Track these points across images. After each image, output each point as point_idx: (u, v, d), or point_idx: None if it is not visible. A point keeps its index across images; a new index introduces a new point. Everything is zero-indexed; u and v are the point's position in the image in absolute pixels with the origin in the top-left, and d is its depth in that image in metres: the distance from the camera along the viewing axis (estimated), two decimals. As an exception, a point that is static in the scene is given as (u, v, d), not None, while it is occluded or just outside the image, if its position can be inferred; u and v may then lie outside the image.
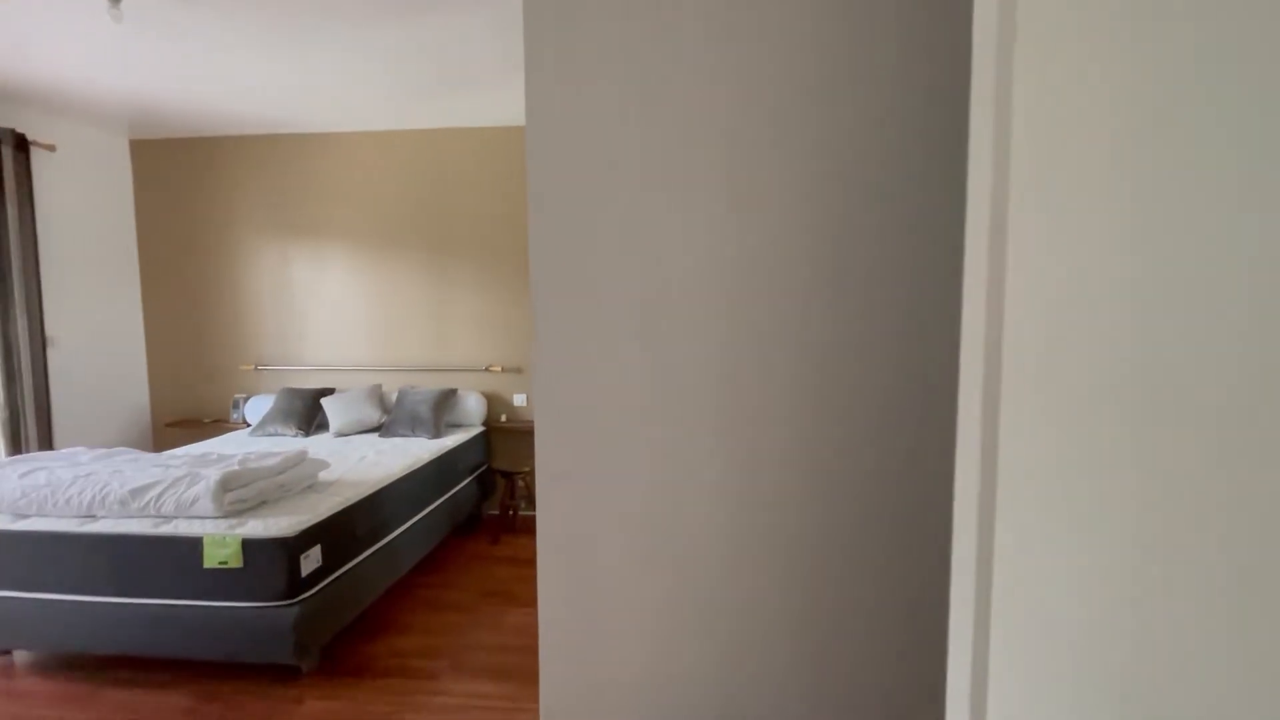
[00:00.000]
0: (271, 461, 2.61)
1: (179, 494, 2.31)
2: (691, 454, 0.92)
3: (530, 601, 2.99)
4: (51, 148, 3.73)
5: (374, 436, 3.90)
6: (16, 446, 3.52)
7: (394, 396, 4.14)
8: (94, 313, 4.12)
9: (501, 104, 3.69)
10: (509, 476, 3.98)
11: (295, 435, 3.91)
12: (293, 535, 2.25)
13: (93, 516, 2.34)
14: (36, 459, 2.66)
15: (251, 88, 3.46)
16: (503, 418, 4.27)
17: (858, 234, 0.86)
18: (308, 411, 4.01)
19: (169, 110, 3.85)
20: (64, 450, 2.85)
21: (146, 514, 2.31)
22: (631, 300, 0.90)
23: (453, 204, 4.18)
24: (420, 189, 4.20)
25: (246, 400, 4.38)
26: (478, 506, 4.07)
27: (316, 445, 3.64)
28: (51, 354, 3.78)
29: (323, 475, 2.86)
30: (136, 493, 2.31)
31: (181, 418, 4.49)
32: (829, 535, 0.91)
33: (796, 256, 0.87)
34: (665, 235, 0.90)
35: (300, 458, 2.75)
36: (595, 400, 0.93)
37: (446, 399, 4.03)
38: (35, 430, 3.61)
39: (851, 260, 0.86)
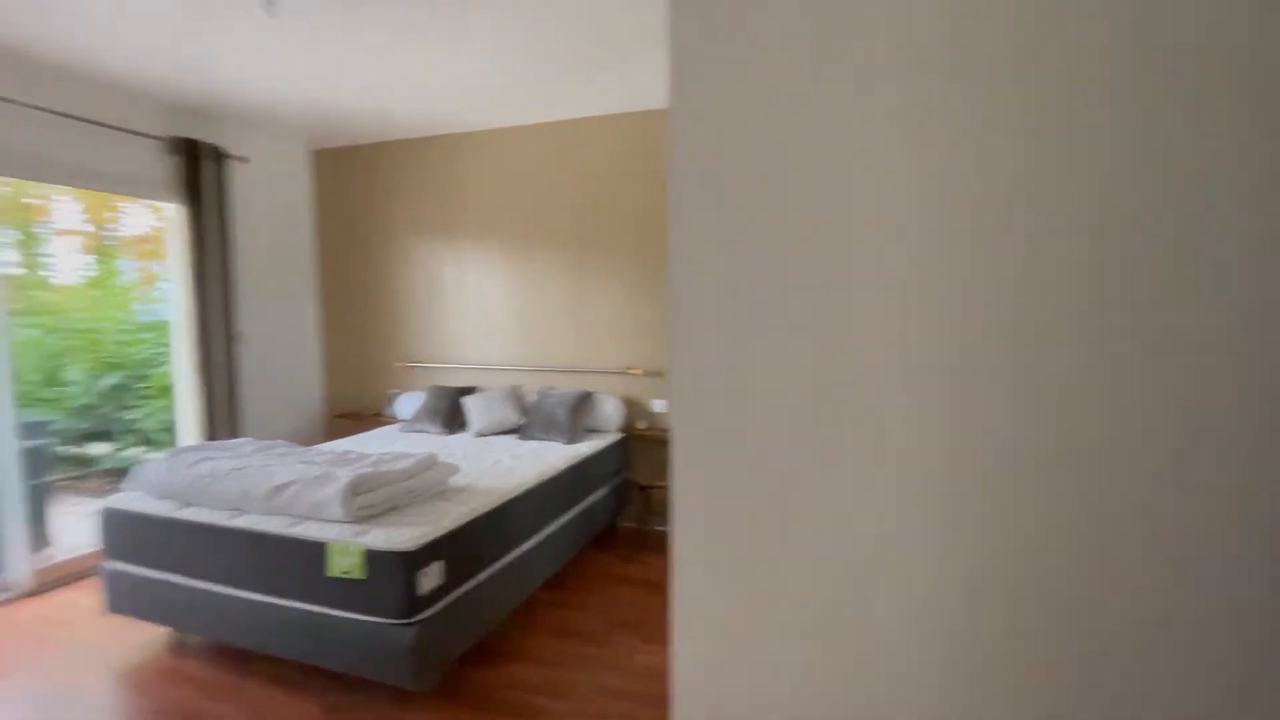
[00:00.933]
0: (402, 465, 2.51)
1: (312, 495, 2.26)
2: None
3: (661, 638, 2.63)
4: (245, 160, 4.09)
5: (512, 439, 3.80)
6: (211, 435, 3.89)
7: (532, 398, 4.03)
8: (276, 311, 4.48)
9: (647, 86, 3.39)
10: (645, 490, 3.67)
11: (440, 433, 3.93)
12: (412, 549, 2.09)
13: (240, 510, 2.37)
14: (208, 449, 2.81)
15: (406, 89, 3.50)
16: (641, 424, 3.97)
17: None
18: (451, 410, 4.02)
19: (339, 118, 4.06)
20: (233, 441, 3.00)
21: (283, 512, 2.29)
22: (800, 284, 0.72)
23: (593, 198, 3.97)
24: (561, 183, 4.04)
25: (398, 396, 4.54)
26: (613, 519, 3.81)
27: (456, 445, 3.60)
28: (240, 350, 4.14)
29: (454, 480, 2.73)
30: (277, 490, 2.30)
31: (349, 410, 4.78)
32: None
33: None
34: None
35: (430, 462, 2.63)
36: (744, 406, 0.75)
37: (583, 402, 3.82)
38: (226, 427, 3.97)
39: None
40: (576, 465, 3.34)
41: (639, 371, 3.95)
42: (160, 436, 4.88)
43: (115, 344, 5.02)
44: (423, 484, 2.53)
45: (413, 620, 2.08)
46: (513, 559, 2.67)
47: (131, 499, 2.61)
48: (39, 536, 3.78)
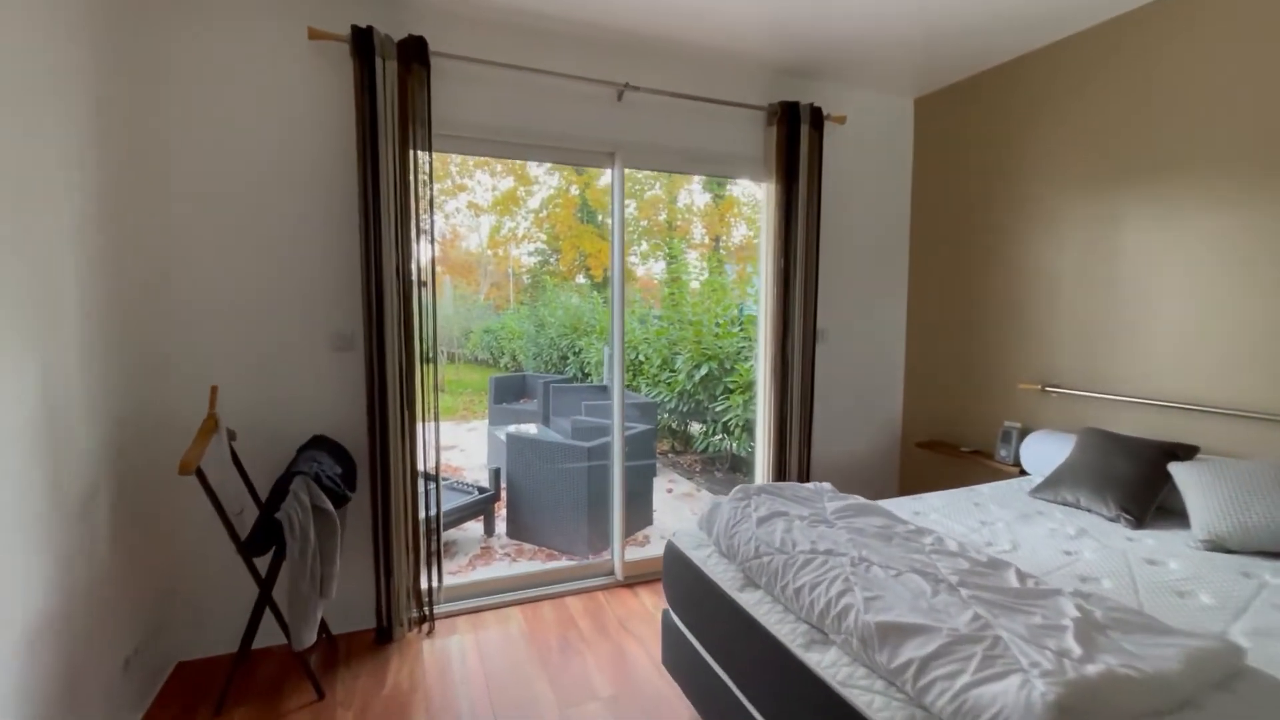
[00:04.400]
0: (1165, 653, 1.09)
1: (964, 674, 1.09)
2: None
3: None
4: (842, 120, 3.34)
5: (1309, 574, 1.80)
6: (782, 447, 3.34)
7: (1363, 493, 1.88)
8: (861, 303, 3.64)
9: None
10: None
11: (1113, 519, 2.25)
12: None
13: (821, 634, 1.43)
14: (781, 495, 2.06)
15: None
16: None
17: None
18: (1143, 481, 2.27)
19: (954, 38, 2.82)
20: (811, 486, 2.19)
21: (894, 679, 1.20)
22: None
23: None
24: None
25: (1022, 434, 3.02)
26: None
27: (1171, 559, 1.89)
28: (820, 349, 3.46)
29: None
30: (887, 636, 1.24)
31: (934, 439, 3.57)
32: None
33: None
34: None
35: (1219, 652, 1.11)
36: None
37: None
38: (799, 431, 3.36)
39: None
40: None
41: None
42: (737, 432, 4.84)
43: (713, 336, 5.28)
44: (1190, 682, 1.05)
45: None
46: None
47: (691, 540, 2.07)
48: (643, 513, 4.04)
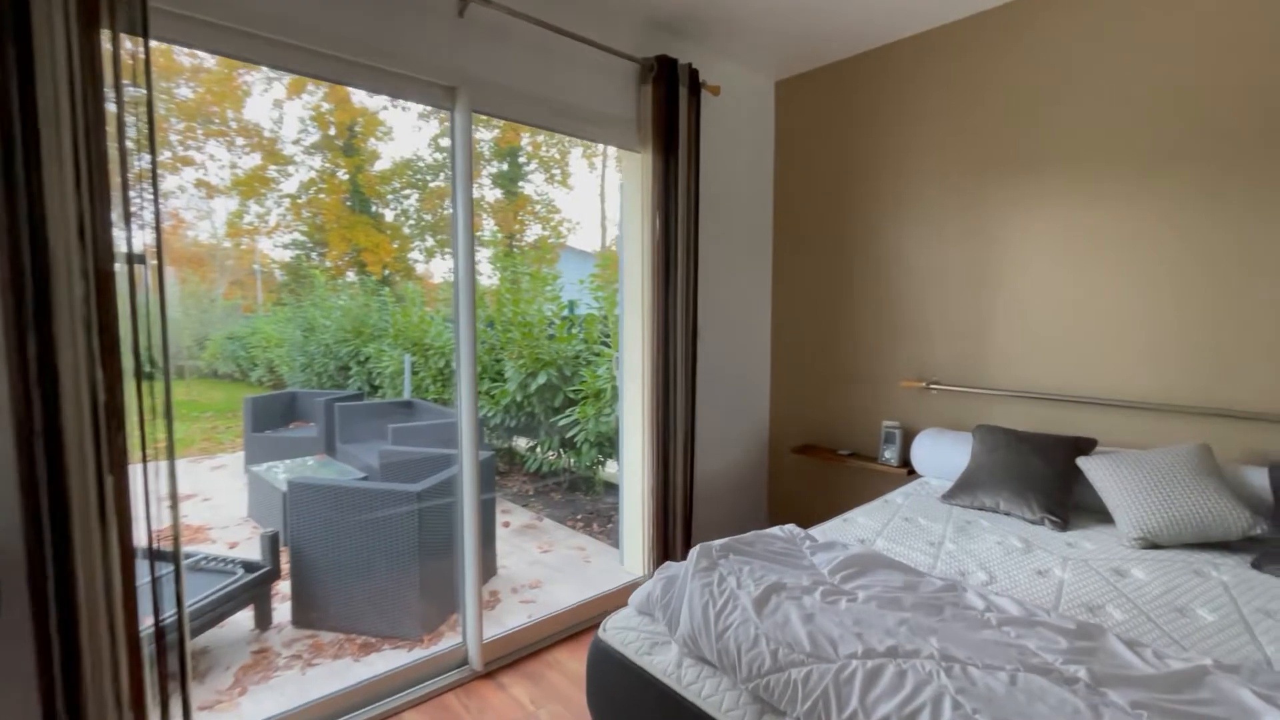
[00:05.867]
0: None
1: None
2: None
3: None
4: (716, 91, 2.93)
5: (1235, 561, 1.80)
6: (665, 463, 2.82)
7: (1254, 476, 1.97)
8: (730, 298, 3.29)
9: None
10: None
11: (1039, 522, 2.15)
12: None
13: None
14: (753, 554, 1.52)
15: None
16: None
17: None
18: (1058, 479, 2.21)
19: (817, 22, 2.60)
20: (779, 532, 1.68)
21: None
22: None
23: None
24: (1261, 65, 1.86)
25: (905, 434, 2.92)
26: None
27: (1122, 562, 1.77)
28: (699, 348, 3.02)
29: None
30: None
31: (809, 443, 3.37)
32: None
33: None
34: None
35: None
36: None
37: None
38: (683, 443, 2.87)
39: None
40: None
41: None
42: (585, 448, 4.22)
43: (547, 339, 4.57)
44: None
45: None
46: None
47: (637, 638, 1.42)
48: (486, 564, 3.20)
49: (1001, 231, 2.63)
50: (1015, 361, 2.61)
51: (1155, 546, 1.93)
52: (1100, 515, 2.16)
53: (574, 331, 4.53)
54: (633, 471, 3.00)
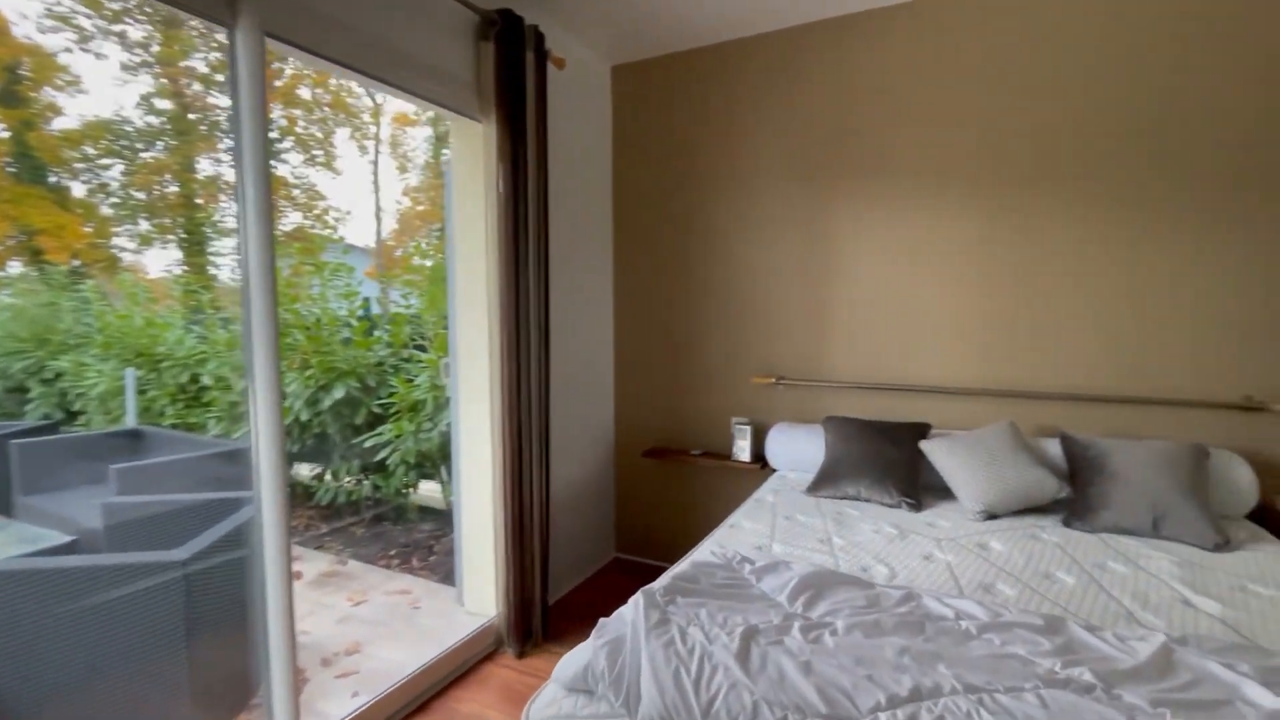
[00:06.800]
0: None
1: None
2: None
3: None
4: (561, 64, 2.64)
5: (1051, 523, 2.09)
6: (518, 480, 2.45)
7: (1050, 447, 2.31)
8: (574, 290, 3.02)
9: None
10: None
11: (896, 505, 2.28)
12: None
13: None
14: (701, 593, 1.27)
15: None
16: (1282, 505, 2.14)
17: None
18: (909, 463, 2.36)
19: (652, 9, 2.53)
20: (714, 560, 1.47)
21: None
22: None
23: (1162, 108, 2.19)
24: (1099, 84, 2.29)
25: (756, 430, 2.95)
26: None
27: (982, 536, 1.94)
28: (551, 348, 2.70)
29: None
30: None
31: (659, 445, 3.25)
32: None
33: None
34: None
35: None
36: None
37: (1196, 464, 2.04)
38: (538, 456, 2.52)
39: None
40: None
41: (1296, 408, 2.12)
42: (400, 471, 3.57)
43: (341, 344, 3.79)
44: None
45: None
46: None
47: (560, 709, 1.10)
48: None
49: (838, 232, 2.78)
50: (854, 355, 2.78)
51: (993, 517, 2.15)
52: (942, 492, 2.36)
53: (376, 334, 3.83)
54: (475, 491, 2.57)
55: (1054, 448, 2.30)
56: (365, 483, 3.87)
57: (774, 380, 2.92)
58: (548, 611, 2.62)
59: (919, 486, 2.34)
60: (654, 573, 3.15)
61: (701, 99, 3.02)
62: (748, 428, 2.93)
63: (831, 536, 2.00)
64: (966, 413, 2.57)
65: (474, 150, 2.41)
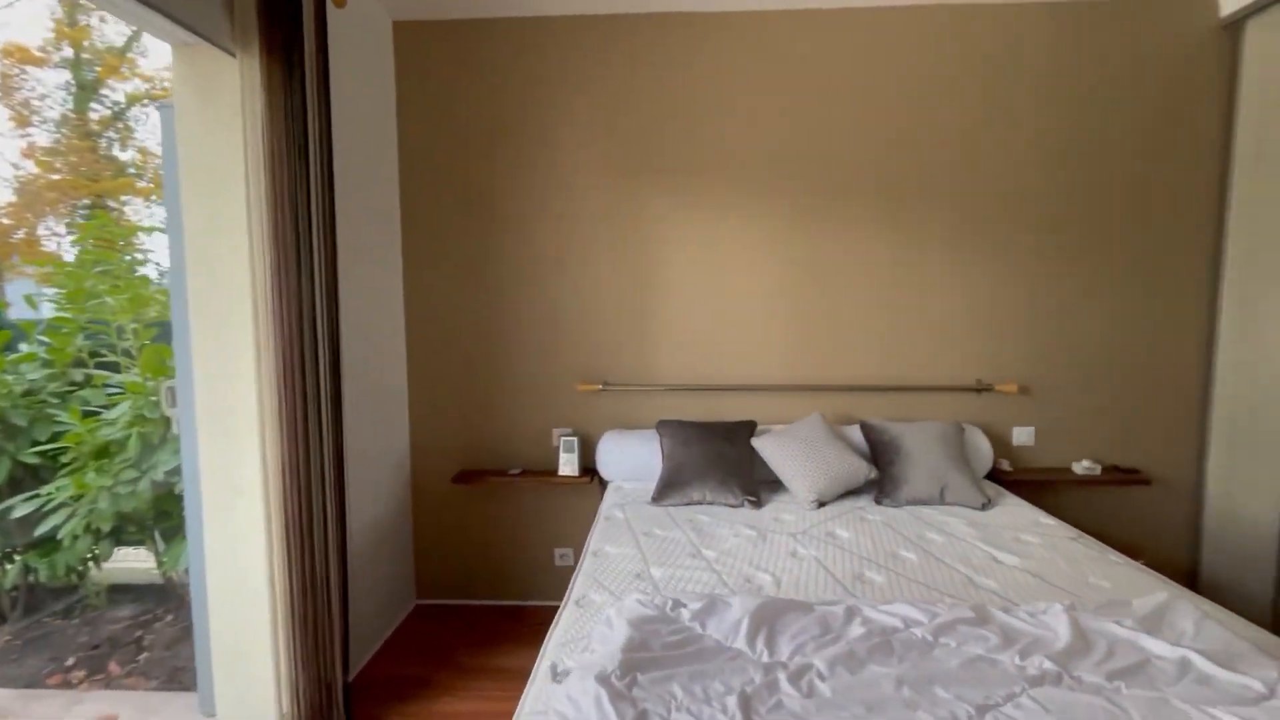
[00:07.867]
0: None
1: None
2: None
3: None
4: (342, 3, 2.08)
5: (867, 502, 2.32)
6: (308, 536, 1.85)
7: (852, 433, 2.58)
8: (360, 286, 2.45)
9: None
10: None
11: (739, 505, 2.30)
12: None
13: None
14: (674, 661, 1.04)
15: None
16: (1003, 464, 2.71)
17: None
18: (746, 462, 2.40)
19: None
20: (668, 611, 1.22)
21: None
22: None
23: (938, 129, 2.63)
24: (886, 105, 2.64)
25: (584, 441, 2.75)
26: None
27: (829, 524, 2.06)
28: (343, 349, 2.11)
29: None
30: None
31: (469, 468, 2.82)
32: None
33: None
34: None
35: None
36: None
37: (959, 439, 2.47)
38: (333, 498, 1.94)
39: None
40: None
41: (1012, 389, 2.68)
42: (72, 541, 2.47)
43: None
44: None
45: None
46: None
47: None
48: None
49: (654, 234, 2.73)
50: (678, 356, 2.76)
51: (823, 504, 2.30)
52: (773, 485, 2.46)
53: (25, 350, 2.63)
54: (229, 556, 1.90)
55: (856, 434, 2.57)
56: (10, 567, 2.63)
57: (600, 386, 2.75)
58: (350, 693, 2.05)
59: (756, 483, 2.40)
60: (467, 614, 2.74)
61: (504, 81, 2.70)
62: (574, 439, 2.71)
63: (700, 549, 1.91)
64: (780, 407, 2.74)
65: (220, 94, 1.75)
